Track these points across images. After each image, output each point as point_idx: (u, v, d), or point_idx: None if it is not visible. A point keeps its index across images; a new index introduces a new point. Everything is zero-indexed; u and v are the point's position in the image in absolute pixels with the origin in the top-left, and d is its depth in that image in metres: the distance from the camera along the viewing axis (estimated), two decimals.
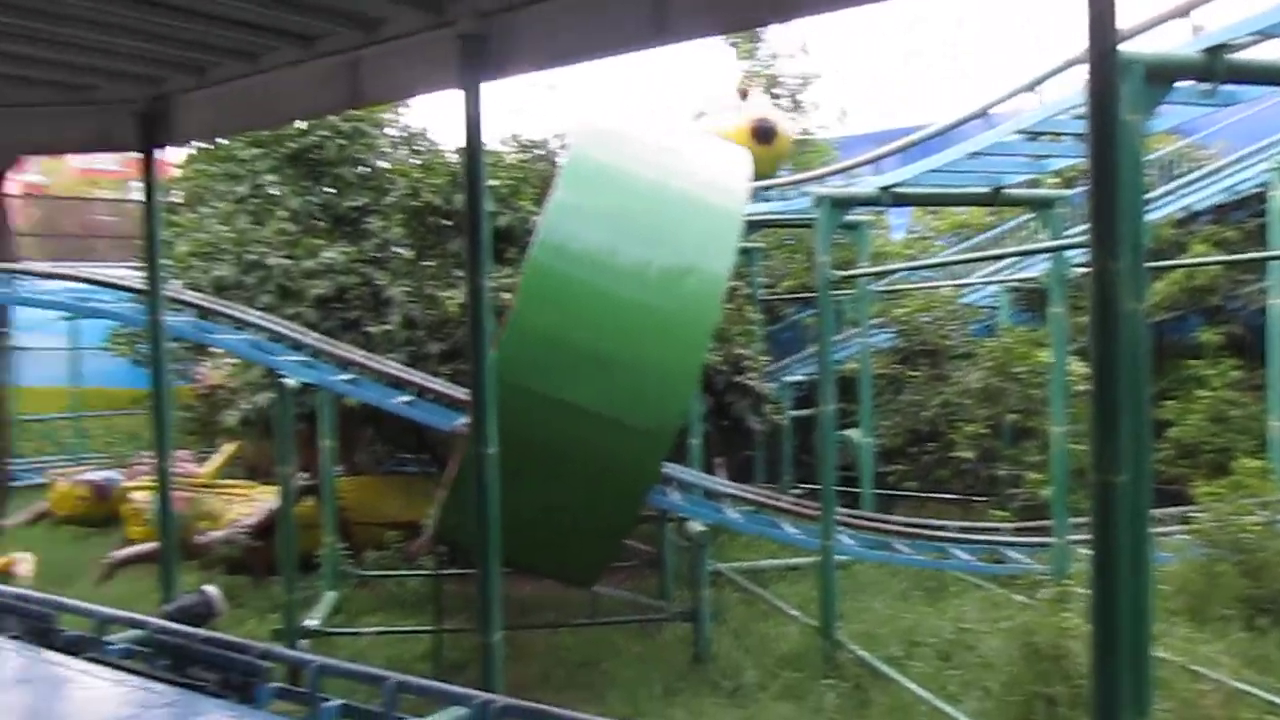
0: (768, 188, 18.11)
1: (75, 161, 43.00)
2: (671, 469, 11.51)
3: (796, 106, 23.55)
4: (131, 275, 14.00)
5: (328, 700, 6.14)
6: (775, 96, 23.47)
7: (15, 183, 42.77)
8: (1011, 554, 12.15)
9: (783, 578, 12.80)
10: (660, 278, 9.07)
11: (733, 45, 23.54)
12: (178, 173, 17.71)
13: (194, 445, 18.23)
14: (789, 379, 17.91)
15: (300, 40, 7.21)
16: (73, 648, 7.27)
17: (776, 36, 23.59)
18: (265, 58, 7.54)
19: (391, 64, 7.06)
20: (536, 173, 13.44)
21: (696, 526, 10.82)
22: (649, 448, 8.86)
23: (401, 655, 10.35)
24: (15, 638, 7.26)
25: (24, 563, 14.03)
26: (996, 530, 12.64)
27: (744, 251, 17.98)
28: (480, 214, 6.59)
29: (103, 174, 42.85)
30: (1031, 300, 17.69)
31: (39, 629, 7.54)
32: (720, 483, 12.50)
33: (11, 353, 21.57)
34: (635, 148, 9.81)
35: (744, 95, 15.01)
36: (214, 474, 16.37)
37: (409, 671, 9.28)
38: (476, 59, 6.38)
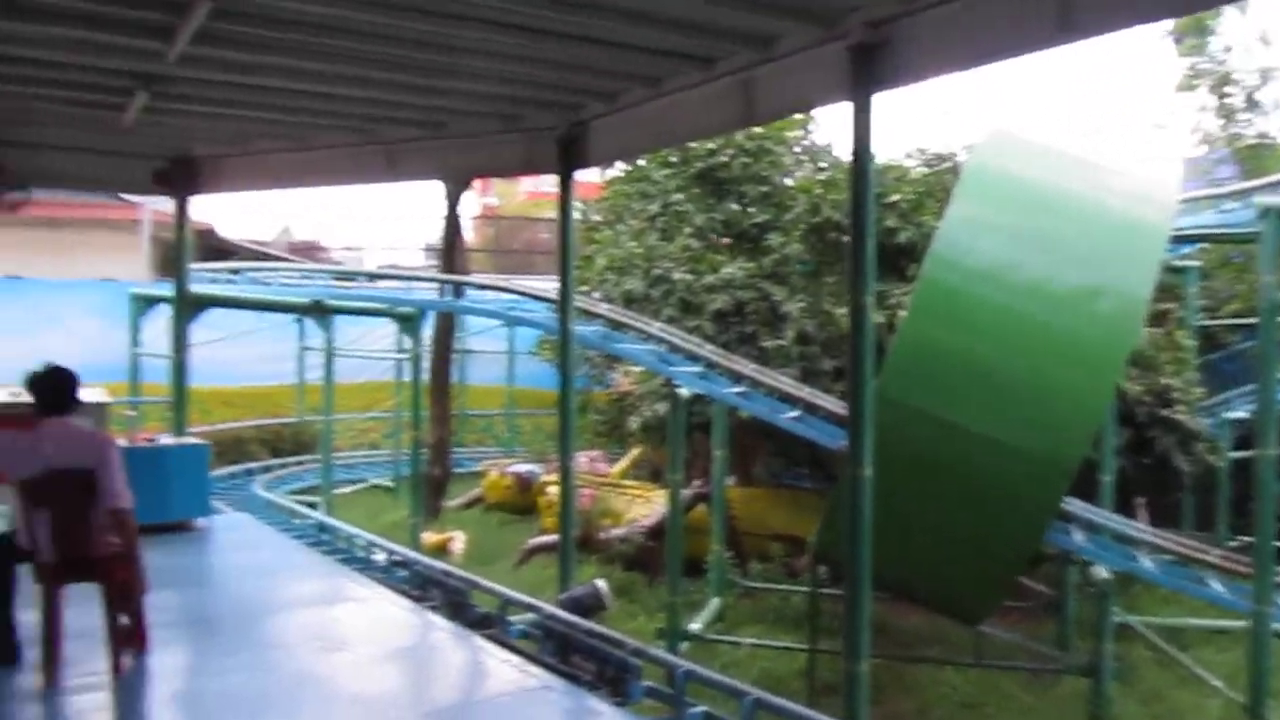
0: (1207, 198, 16.15)
1: (525, 185, 47.94)
2: (1077, 506, 10.56)
3: (1252, 106, 20.79)
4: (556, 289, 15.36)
5: (693, 706, 6.32)
6: (1226, 96, 20.90)
7: (477, 204, 48.51)
8: None
9: (1208, 641, 11.30)
10: (1068, 296, 8.38)
11: (1176, 40, 21.26)
12: (603, 193, 19.10)
13: (606, 446, 19.56)
14: (1229, 415, 15.80)
15: (701, 63, 7.48)
16: (479, 623, 8.07)
17: (1231, 26, 20.96)
18: (668, 81, 7.89)
19: (782, 80, 7.11)
20: (943, 186, 12.96)
21: (1102, 572, 9.83)
22: (1044, 478, 8.20)
23: (776, 669, 10.39)
24: (435, 608, 8.19)
25: (457, 540, 15.86)
26: None
27: (1177, 270, 16.15)
28: (865, 228, 6.44)
29: (547, 196, 47.44)
30: None
31: (454, 603, 8.45)
32: (1135, 526, 11.27)
33: (462, 355, 24.57)
34: (1042, 156, 9.14)
35: None
36: (620, 475, 17.46)
37: (782, 688, 9.32)
38: (867, 70, 6.24)
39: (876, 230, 14.19)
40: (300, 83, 7.93)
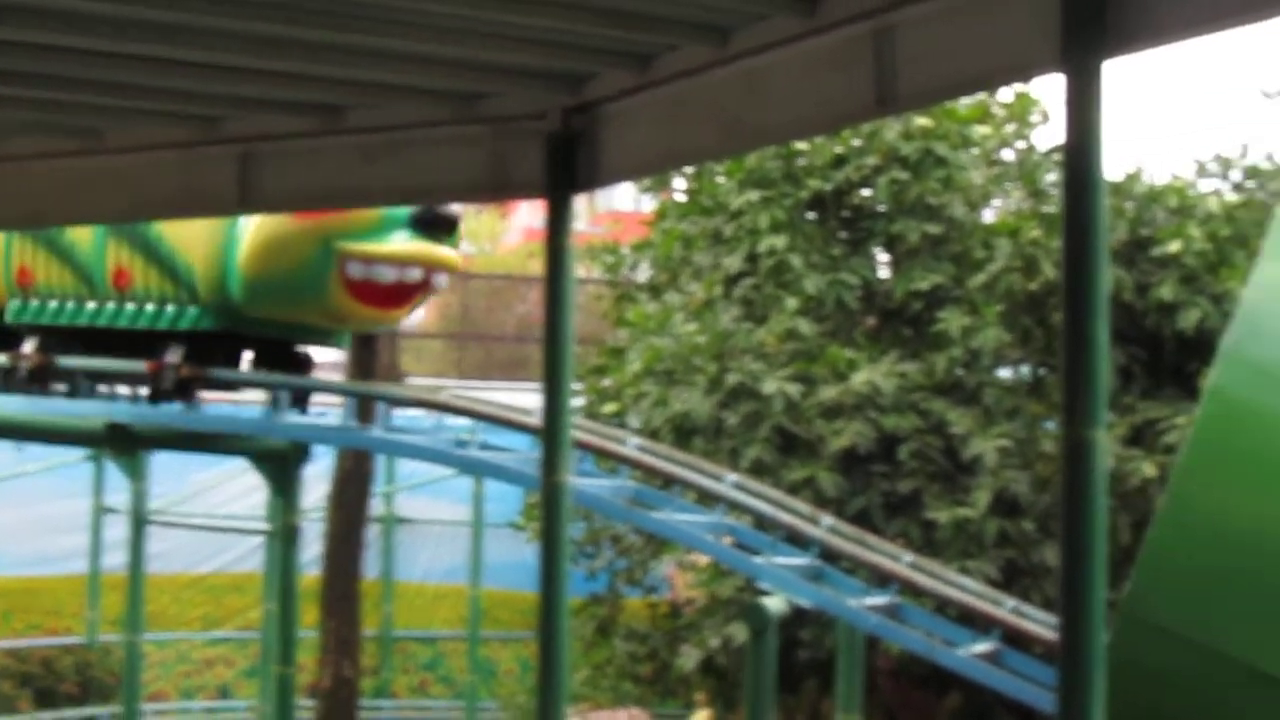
0: None
1: (522, 218, 48.63)
2: None
3: None
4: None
5: None
6: None
7: None
8: None
9: None
10: None
11: None
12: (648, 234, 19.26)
13: (649, 700, 19.40)
14: None
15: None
16: None
17: None
18: (740, 34, 8.00)
19: (950, 37, 7.17)
20: (1260, 229, 13.04)
21: None
22: None
23: None
24: None
25: None
26: None
27: None
28: (1088, 299, 6.35)
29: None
30: None
31: None
32: None
33: (387, 527, 24.49)
34: None
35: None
36: None
37: None
38: (1088, 26, 6.33)
39: (1145, 305, 14.25)
40: (75, 30, 8.13)
